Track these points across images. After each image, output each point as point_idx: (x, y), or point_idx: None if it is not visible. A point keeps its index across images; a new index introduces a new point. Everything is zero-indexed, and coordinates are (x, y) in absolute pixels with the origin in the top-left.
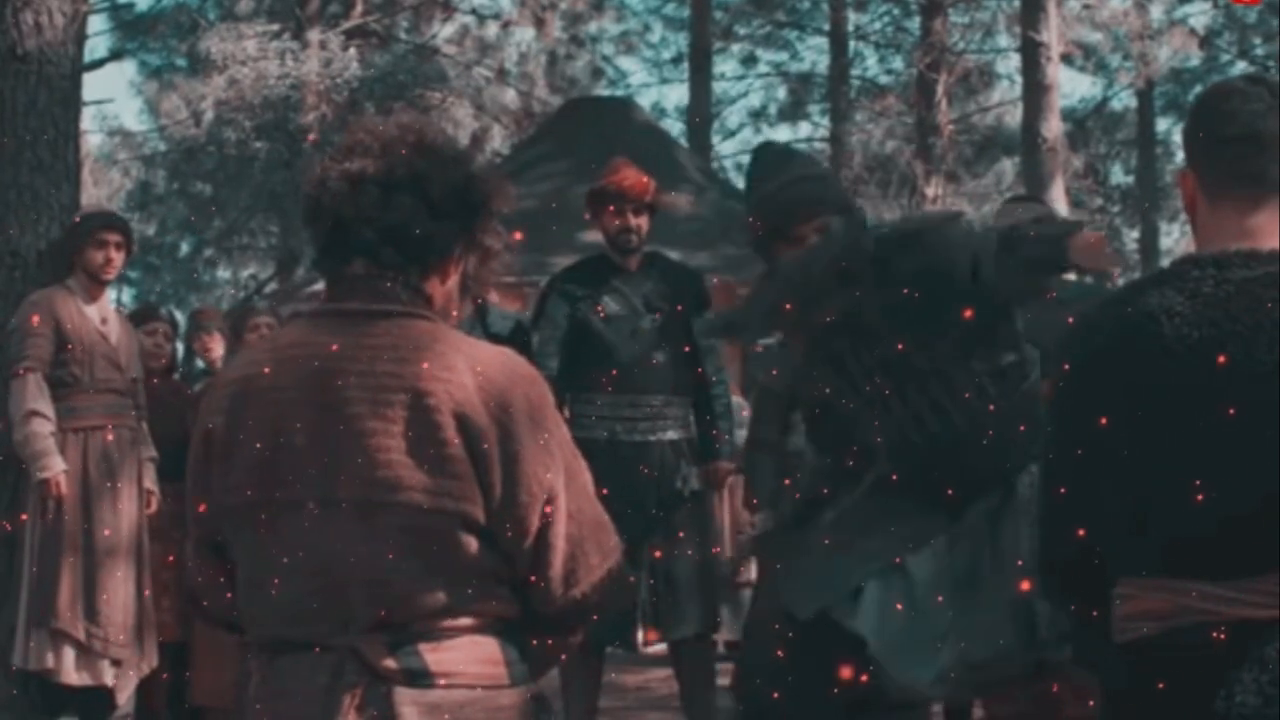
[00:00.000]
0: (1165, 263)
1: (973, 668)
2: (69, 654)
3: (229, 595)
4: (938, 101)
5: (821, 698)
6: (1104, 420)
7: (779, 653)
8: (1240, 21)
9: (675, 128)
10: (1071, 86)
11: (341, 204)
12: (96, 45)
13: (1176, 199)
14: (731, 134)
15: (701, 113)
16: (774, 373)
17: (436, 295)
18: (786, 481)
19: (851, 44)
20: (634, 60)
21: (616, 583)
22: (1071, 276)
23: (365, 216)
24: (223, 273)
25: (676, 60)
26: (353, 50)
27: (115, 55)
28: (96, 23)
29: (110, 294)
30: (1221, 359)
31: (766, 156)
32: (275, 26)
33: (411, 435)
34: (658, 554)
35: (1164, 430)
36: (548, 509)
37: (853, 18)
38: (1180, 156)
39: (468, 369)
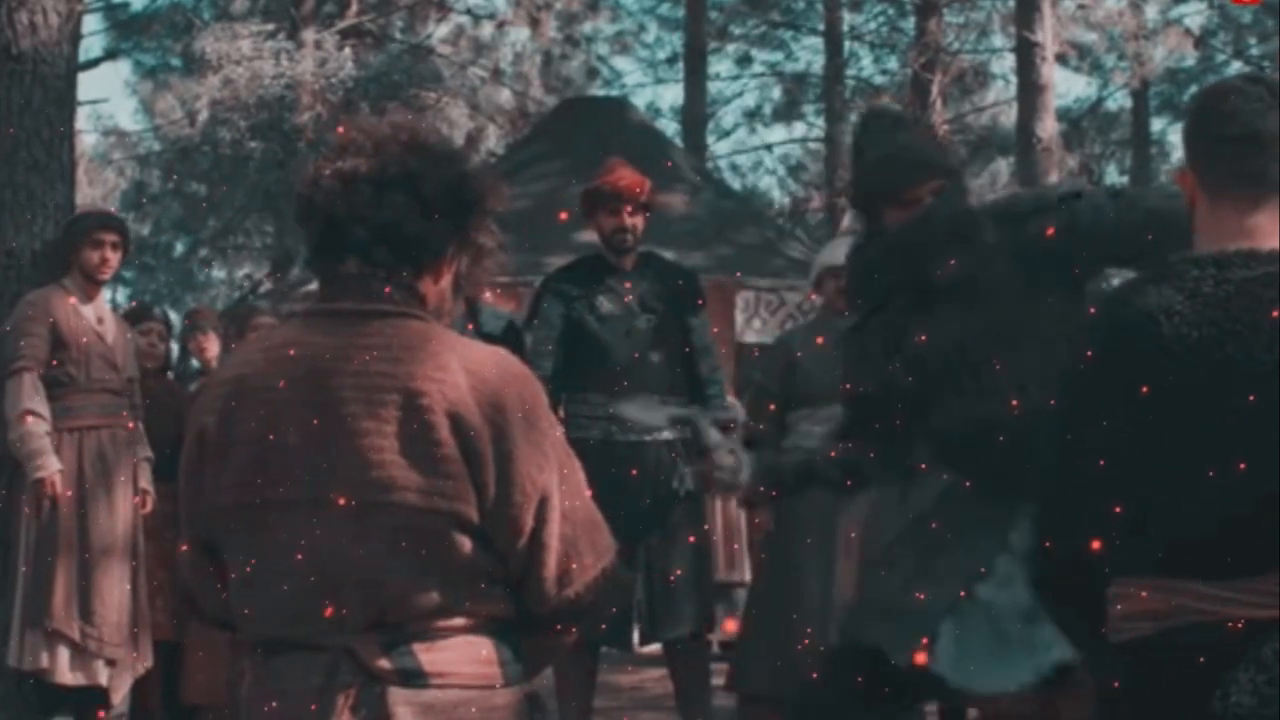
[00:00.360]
0: None
1: (1059, 671)
2: (63, 654)
3: (223, 595)
4: (933, 101)
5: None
6: (1104, 420)
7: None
8: (1235, 21)
9: (670, 128)
10: (1066, 86)
11: (334, 203)
12: (91, 45)
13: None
14: (726, 134)
15: (696, 113)
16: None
17: (430, 294)
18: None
19: (846, 44)
20: (629, 60)
21: (611, 582)
22: None
23: (358, 215)
24: (218, 272)
25: (671, 60)
26: (348, 50)
27: (110, 55)
28: (91, 22)
29: (105, 294)
30: (1221, 359)
31: (877, 120)
32: (270, 26)
33: (405, 435)
34: (654, 554)
35: (1163, 430)
36: (541, 509)
37: (848, 18)
38: (1175, 156)
39: (461, 369)
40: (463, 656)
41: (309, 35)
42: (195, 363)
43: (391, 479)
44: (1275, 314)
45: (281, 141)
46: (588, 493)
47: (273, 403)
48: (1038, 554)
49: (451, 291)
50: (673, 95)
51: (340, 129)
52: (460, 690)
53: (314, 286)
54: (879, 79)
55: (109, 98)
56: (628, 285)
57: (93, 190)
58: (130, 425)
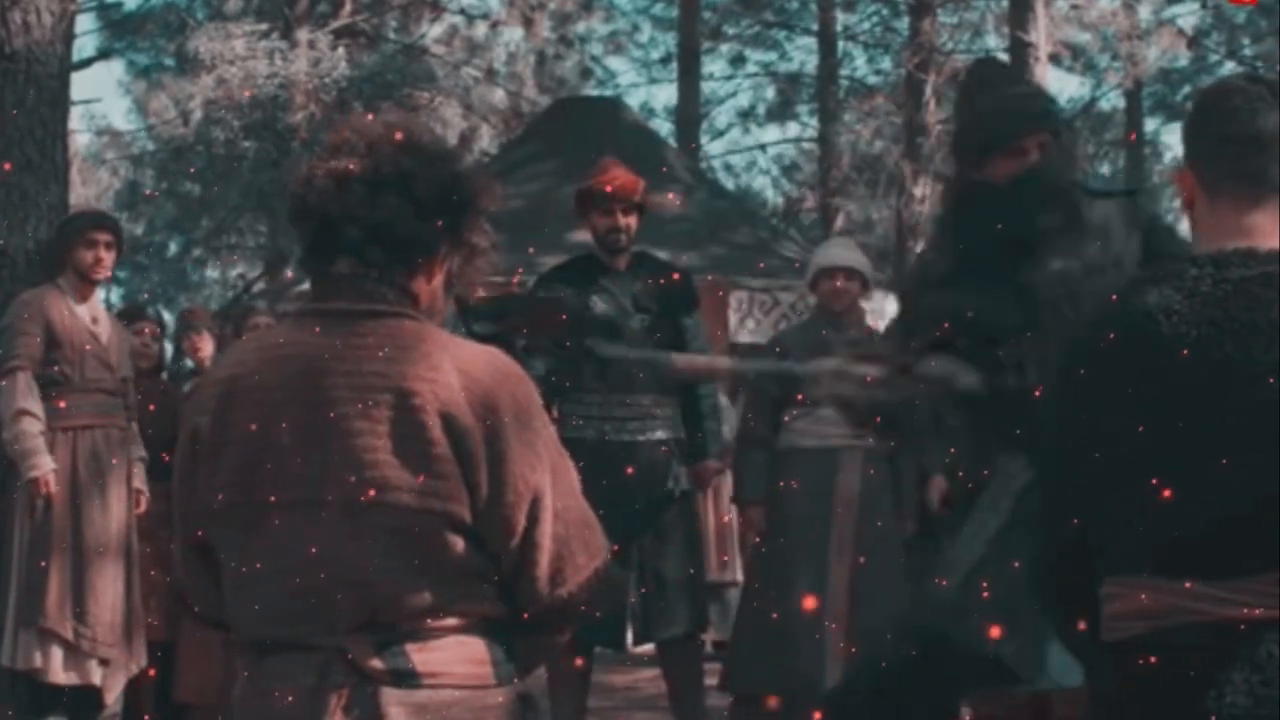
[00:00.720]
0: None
1: None
2: (57, 653)
3: (217, 594)
4: (926, 101)
5: None
6: (1101, 418)
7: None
8: (1229, 22)
9: (664, 127)
10: (1060, 86)
11: (327, 203)
12: (84, 44)
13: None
14: (720, 134)
15: (690, 113)
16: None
17: (422, 294)
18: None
19: (840, 44)
20: (622, 60)
21: (603, 582)
22: None
23: (351, 215)
24: (211, 272)
25: (665, 60)
26: (341, 50)
27: (103, 55)
28: (84, 22)
29: (99, 293)
30: (1219, 358)
31: (988, 69)
32: (264, 26)
33: (398, 435)
34: (648, 554)
35: (1161, 429)
36: (534, 508)
37: (841, 18)
38: (1169, 156)
39: (454, 369)
40: (455, 656)
41: (303, 35)
42: (189, 362)
43: (385, 479)
44: (1275, 313)
45: (275, 141)
46: (580, 492)
47: (266, 403)
48: (1036, 551)
49: (444, 291)
50: (666, 95)
51: (334, 129)
52: (453, 690)
53: (308, 286)
54: (873, 79)
55: (102, 98)
56: (621, 285)
57: (86, 190)
58: (125, 425)
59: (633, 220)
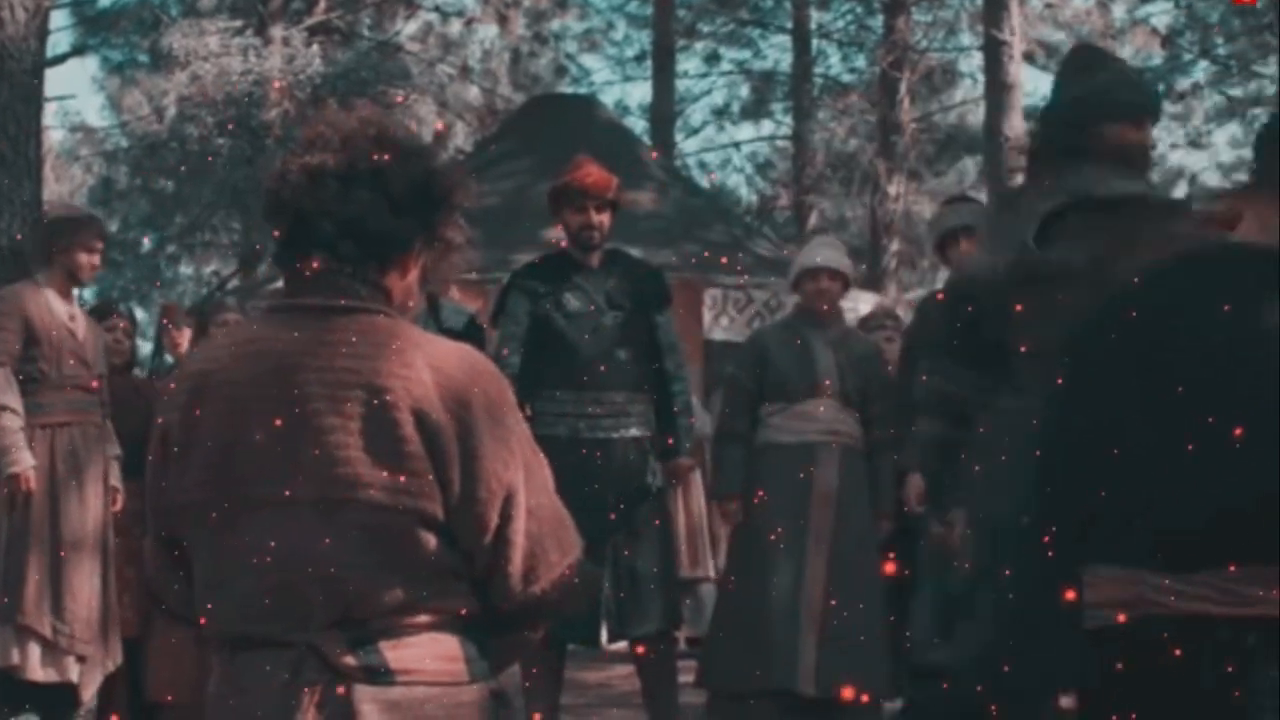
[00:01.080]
0: None
1: None
2: (34, 650)
3: (187, 591)
4: (900, 100)
5: None
6: (1101, 411)
7: None
8: (1202, 21)
9: (638, 125)
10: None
11: (301, 198)
12: (59, 40)
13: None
14: (694, 132)
15: (664, 110)
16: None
17: (396, 290)
18: None
19: (814, 42)
20: (597, 58)
21: (577, 580)
22: None
23: (324, 211)
24: (185, 269)
25: (639, 58)
26: (315, 47)
27: (77, 51)
28: (58, 18)
29: (74, 291)
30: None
31: (1086, 55)
32: (238, 23)
33: (369, 432)
34: (622, 551)
35: (1161, 424)
36: (507, 506)
37: (815, 16)
38: None
39: (426, 365)
40: (428, 653)
41: (277, 32)
42: (170, 358)
43: (356, 476)
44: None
45: (249, 138)
46: (554, 490)
47: (237, 399)
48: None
49: (418, 286)
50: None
51: (309, 124)
52: (426, 687)
53: (281, 283)
54: (847, 77)
55: (76, 94)
56: (594, 282)
57: (60, 186)
58: (100, 422)
59: (606, 217)
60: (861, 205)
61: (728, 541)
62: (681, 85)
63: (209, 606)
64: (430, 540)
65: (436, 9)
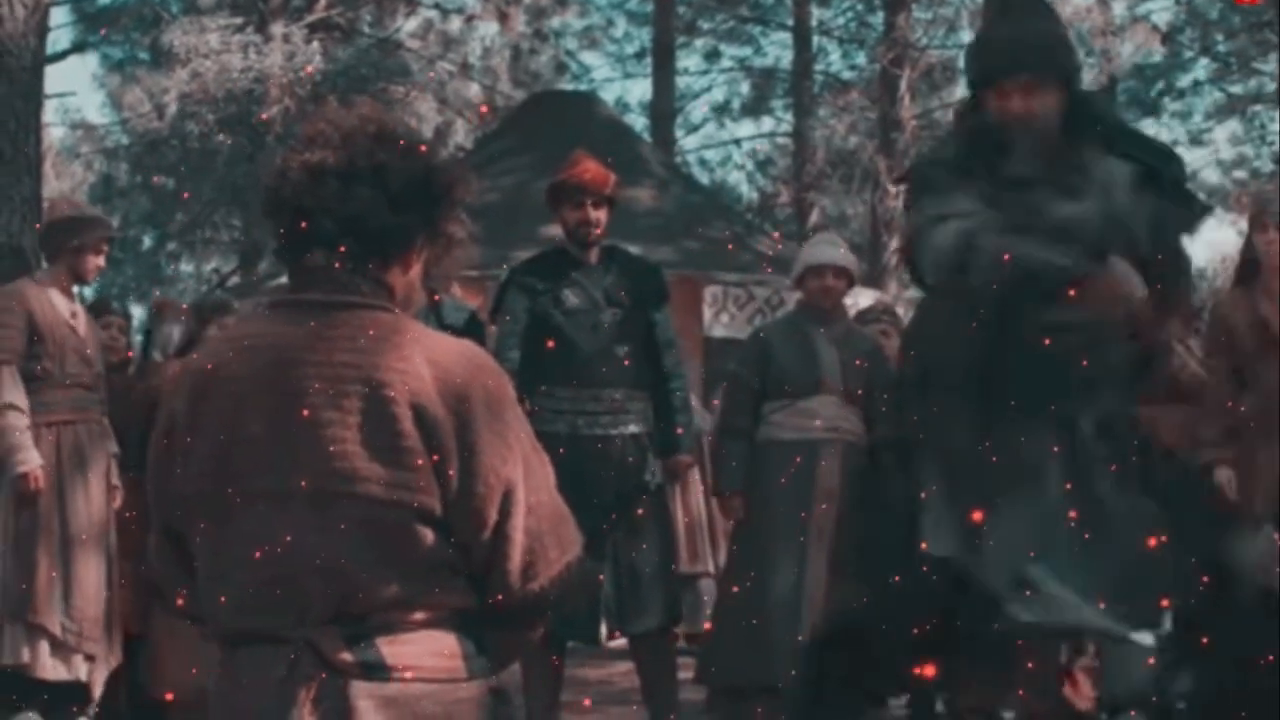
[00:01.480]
0: None
1: None
2: (44, 648)
3: (191, 586)
4: (901, 97)
5: None
6: None
7: None
8: (1202, 17)
9: (639, 122)
10: None
11: (301, 195)
12: (59, 38)
13: None
14: (695, 129)
15: (665, 107)
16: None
17: (397, 286)
18: None
19: (815, 39)
20: (597, 55)
21: (575, 577)
22: None
23: (325, 208)
24: (186, 266)
25: (640, 55)
26: (316, 44)
27: (78, 48)
28: (59, 15)
29: (75, 289)
30: None
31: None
32: (238, 20)
33: (368, 427)
34: (621, 548)
35: None
36: (505, 502)
37: (816, 13)
38: None
39: (426, 361)
40: (426, 650)
41: (277, 29)
42: (159, 355)
43: (354, 470)
44: None
45: (249, 135)
46: (554, 487)
47: (238, 393)
48: None
49: (420, 282)
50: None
51: (309, 121)
52: (423, 684)
53: (283, 280)
54: (847, 74)
55: (76, 91)
56: (593, 279)
57: (60, 183)
58: (101, 420)
59: (603, 214)
60: (862, 202)
61: (728, 538)
62: (682, 82)
63: (208, 600)
64: (428, 536)
65: (436, 6)
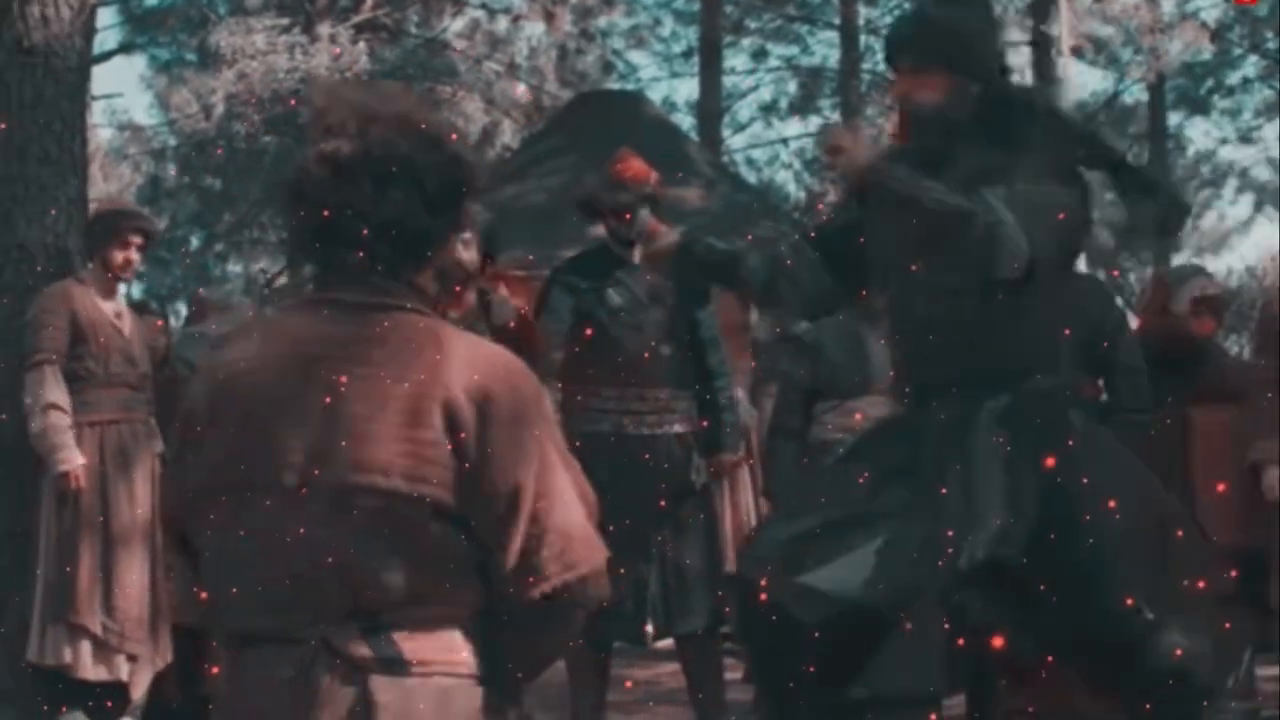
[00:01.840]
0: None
1: None
2: (86, 649)
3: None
4: None
5: None
6: None
7: None
8: (1251, 15)
9: (685, 122)
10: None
11: (327, 193)
12: (106, 38)
13: (1188, 193)
14: (742, 128)
15: (712, 107)
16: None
17: (428, 285)
18: None
19: (862, 38)
20: (644, 54)
21: (595, 582)
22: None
23: (358, 210)
24: (233, 266)
25: (687, 54)
26: (362, 44)
27: (125, 49)
28: (106, 16)
29: (121, 288)
30: None
31: None
32: (284, 20)
33: (395, 423)
34: (667, 548)
35: None
36: (530, 504)
37: (863, 11)
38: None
39: (456, 362)
40: (442, 645)
41: (323, 29)
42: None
43: (376, 463)
44: None
45: (296, 136)
46: (576, 500)
47: (262, 386)
48: None
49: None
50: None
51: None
52: (441, 678)
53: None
54: None
55: (124, 92)
56: (636, 278)
57: (108, 185)
58: (147, 419)
59: (645, 212)
60: None
61: None
62: (729, 81)
63: (217, 599)
64: (444, 532)
65: (483, 6)
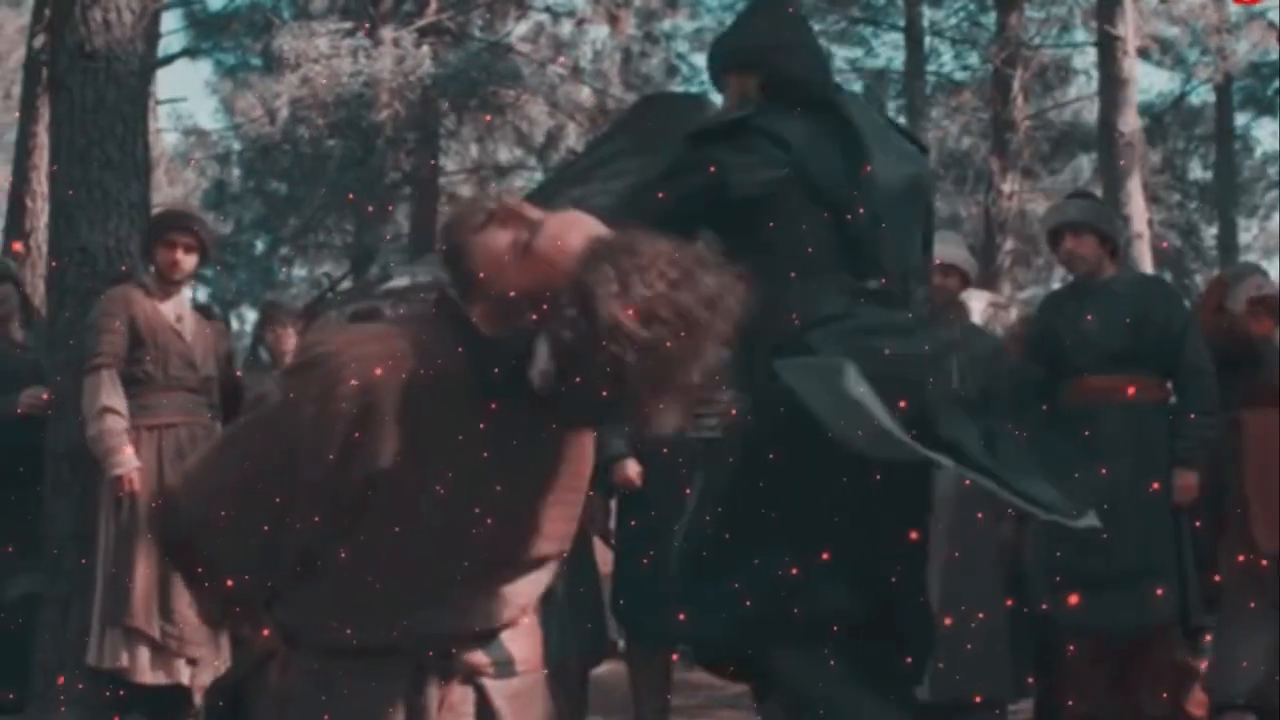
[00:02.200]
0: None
1: None
2: (144, 653)
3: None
4: (1014, 97)
5: None
6: None
7: None
8: None
9: None
10: (1149, 81)
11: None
12: (171, 43)
13: (1255, 195)
14: None
15: None
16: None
17: None
18: None
19: (927, 40)
20: None
21: None
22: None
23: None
24: (299, 271)
25: None
26: (426, 48)
27: (189, 53)
28: (170, 21)
29: (186, 292)
30: None
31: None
32: (348, 24)
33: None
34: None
35: None
36: None
37: (928, 13)
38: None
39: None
40: (534, 640)
41: (387, 33)
42: (265, 354)
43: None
44: None
45: (360, 140)
46: None
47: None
48: None
49: None
50: None
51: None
52: (535, 674)
53: (393, 284)
54: (960, 75)
55: (188, 97)
56: None
57: (173, 190)
58: (209, 423)
59: None
60: (975, 203)
61: None
62: None
63: (327, 608)
64: None
65: (547, 9)
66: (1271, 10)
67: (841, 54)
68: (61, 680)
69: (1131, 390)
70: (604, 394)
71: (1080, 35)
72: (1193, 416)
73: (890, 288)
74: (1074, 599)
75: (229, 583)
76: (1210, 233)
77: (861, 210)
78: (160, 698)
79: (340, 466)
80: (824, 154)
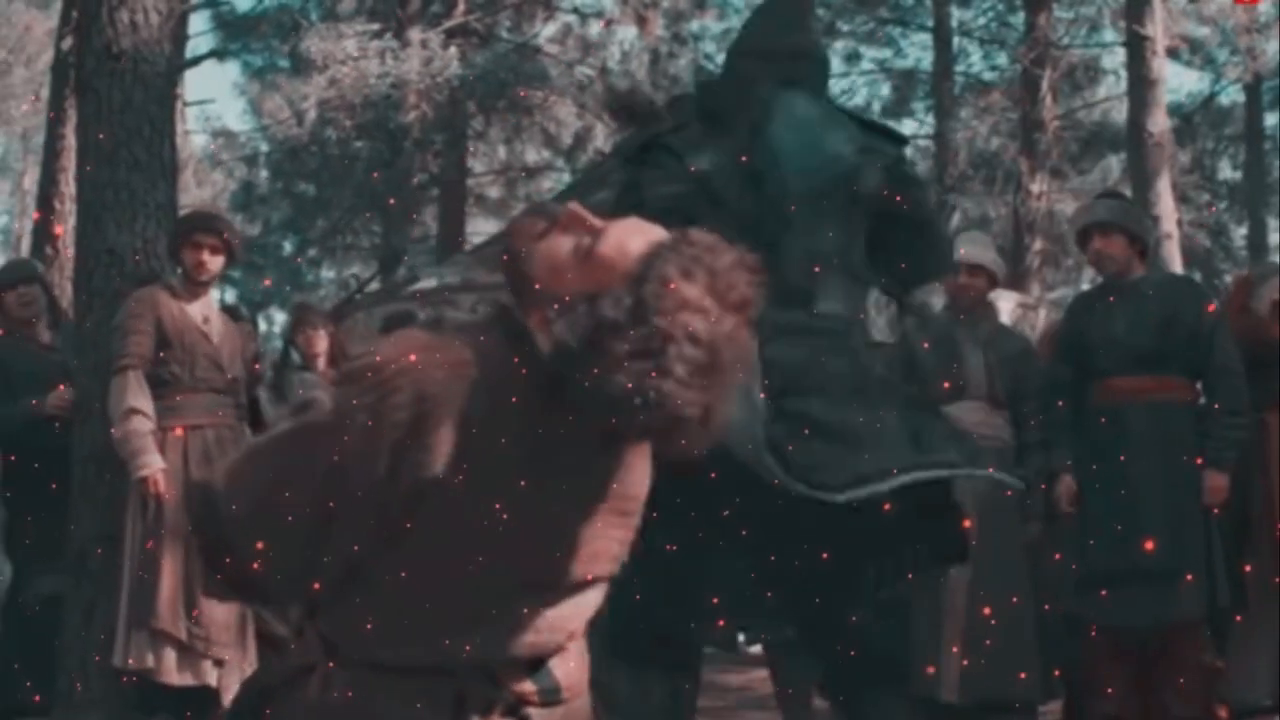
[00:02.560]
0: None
1: None
2: (170, 654)
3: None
4: (1043, 97)
5: None
6: None
7: None
8: None
9: None
10: (1178, 81)
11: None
12: (198, 45)
13: None
14: None
15: None
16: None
17: None
18: None
19: (955, 40)
20: None
21: None
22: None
23: None
24: (327, 272)
25: None
26: (453, 49)
27: (217, 55)
28: (198, 23)
29: (214, 293)
30: None
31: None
32: (375, 26)
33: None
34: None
35: None
36: None
37: (956, 14)
38: None
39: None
40: (581, 665)
41: (414, 35)
42: (296, 356)
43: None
44: None
45: (388, 141)
46: None
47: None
48: None
49: None
50: None
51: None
52: (582, 699)
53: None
54: (988, 75)
55: (216, 99)
56: None
57: (201, 191)
58: (235, 424)
59: None
60: (1004, 204)
61: None
62: None
63: (368, 621)
64: None
65: (575, 10)
66: None
67: (870, 54)
68: (86, 682)
69: (1160, 390)
70: (635, 385)
71: (1109, 35)
72: (1222, 417)
73: (794, 285)
74: (1100, 595)
75: (258, 580)
76: (1240, 233)
77: (765, 216)
78: (187, 699)
79: (390, 476)
80: (726, 168)
